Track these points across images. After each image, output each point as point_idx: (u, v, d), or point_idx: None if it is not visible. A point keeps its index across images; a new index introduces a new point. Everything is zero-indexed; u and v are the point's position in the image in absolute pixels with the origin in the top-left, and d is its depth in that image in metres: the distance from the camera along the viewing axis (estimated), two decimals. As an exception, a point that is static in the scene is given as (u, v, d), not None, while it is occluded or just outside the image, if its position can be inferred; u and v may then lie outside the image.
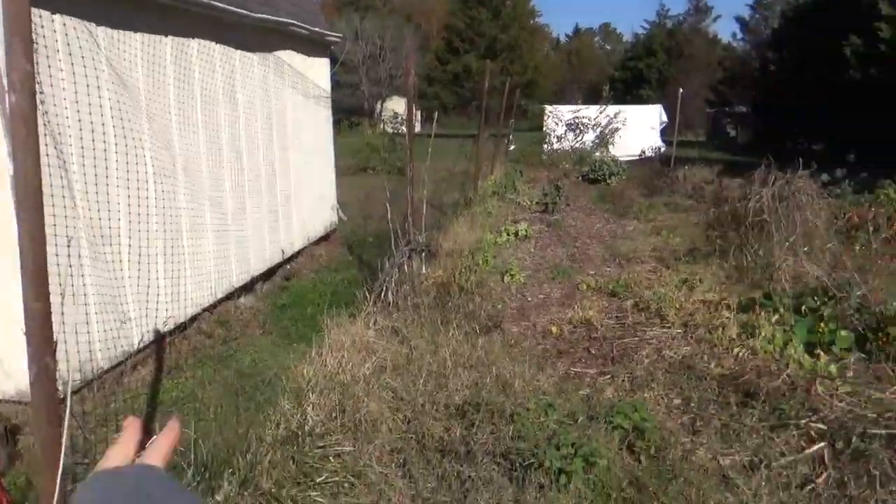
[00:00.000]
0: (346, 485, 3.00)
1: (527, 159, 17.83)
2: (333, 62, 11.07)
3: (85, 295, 3.86)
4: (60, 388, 2.06)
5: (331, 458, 3.17)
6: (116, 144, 4.20)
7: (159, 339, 4.70)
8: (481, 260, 6.72)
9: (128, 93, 4.32)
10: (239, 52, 6.13)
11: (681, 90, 16.68)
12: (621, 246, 8.17)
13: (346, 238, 9.04)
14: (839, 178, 7.50)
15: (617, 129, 17.23)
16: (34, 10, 2.02)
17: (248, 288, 6.38)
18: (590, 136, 18.55)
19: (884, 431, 3.18)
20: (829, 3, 23.08)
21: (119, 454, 0.58)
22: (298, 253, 7.76)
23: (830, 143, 24.81)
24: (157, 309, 4.59)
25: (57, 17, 3.69)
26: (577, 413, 3.58)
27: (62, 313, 2.19)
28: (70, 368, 3.01)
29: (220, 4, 5.36)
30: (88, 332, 3.80)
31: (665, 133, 21.86)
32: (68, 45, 3.75)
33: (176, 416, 0.70)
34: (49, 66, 3.54)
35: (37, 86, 1.93)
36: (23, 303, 1.88)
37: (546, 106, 22.30)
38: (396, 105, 30.46)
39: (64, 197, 3.51)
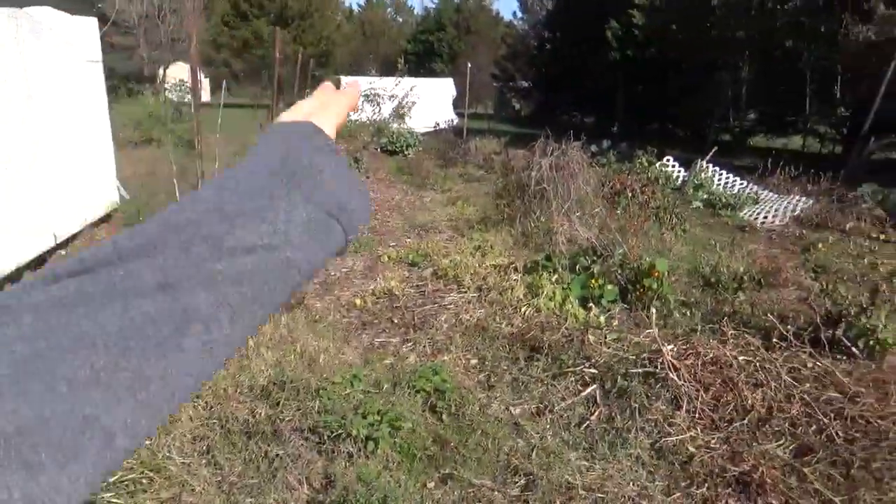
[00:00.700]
0: (144, 481, 2.80)
1: (325, 131, 17.51)
2: (104, 21, 9.83)
3: None
4: None
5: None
6: None
7: None
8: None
9: None
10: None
11: (469, 65, 17.48)
12: (420, 217, 8.44)
13: (130, 218, 8.21)
14: (605, 148, 8.47)
15: (415, 103, 17.62)
16: None
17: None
18: (387, 108, 18.75)
19: (640, 370, 3.72)
20: (594, -11, 25.63)
21: (301, 109, 0.56)
22: (74, 237, 6.90)
23: (599, 116, 27.93)
24: None
25: None
26: (381, 381, 3.70)
27: None
28: None
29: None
30: None
31: (456, 105, 22.88)
32: None
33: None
34: None
35: None
36: None
37: (341, 77, 22.06)
38: (181, 72, 27.93)
39: None
